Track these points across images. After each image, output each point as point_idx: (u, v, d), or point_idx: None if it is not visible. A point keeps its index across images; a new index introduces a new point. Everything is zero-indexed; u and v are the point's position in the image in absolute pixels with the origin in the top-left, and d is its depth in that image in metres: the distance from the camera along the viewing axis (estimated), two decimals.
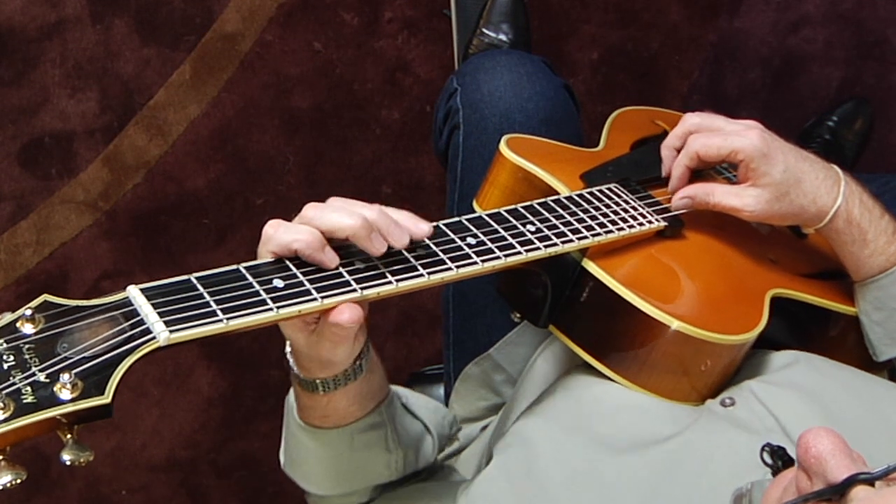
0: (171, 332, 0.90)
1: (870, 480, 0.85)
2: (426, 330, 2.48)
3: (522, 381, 1.55)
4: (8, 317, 0.89)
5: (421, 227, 1.12)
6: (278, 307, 0.97)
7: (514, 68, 1.63)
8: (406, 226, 1.10)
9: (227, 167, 2.47)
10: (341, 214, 1.05)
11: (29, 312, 0.89)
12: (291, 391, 1.24)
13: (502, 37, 2.35)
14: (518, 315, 1.40)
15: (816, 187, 1.35)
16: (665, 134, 1.52)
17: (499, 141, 1.43)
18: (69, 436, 0.85)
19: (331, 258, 1.05)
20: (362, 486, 1.31)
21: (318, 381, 1.15)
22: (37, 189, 2.42)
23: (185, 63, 2.46)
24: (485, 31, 2.36)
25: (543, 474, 1.23)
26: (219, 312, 0.94)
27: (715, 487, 1.13)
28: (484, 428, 1.64)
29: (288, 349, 1.17)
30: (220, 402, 2.46)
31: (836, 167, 1.38)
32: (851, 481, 0.85)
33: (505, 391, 1.64)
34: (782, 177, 1.33)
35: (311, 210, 1.08)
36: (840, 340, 1.49)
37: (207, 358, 2.46)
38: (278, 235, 1.05)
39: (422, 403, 1.38)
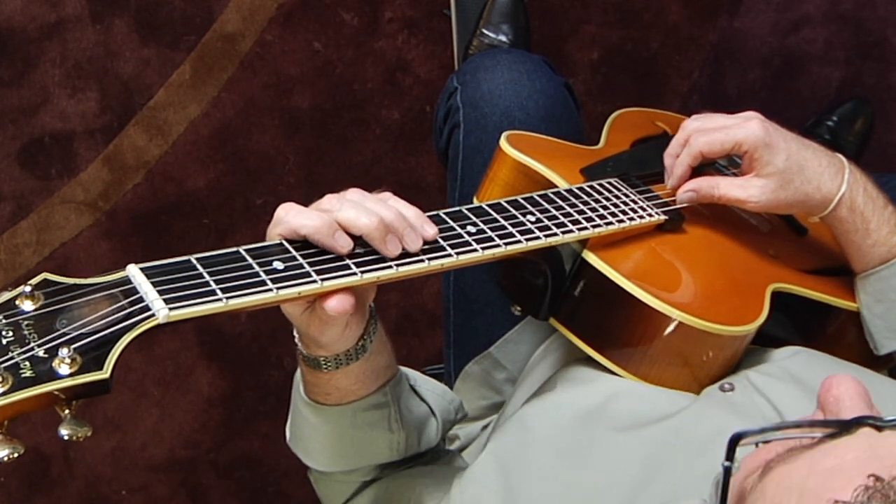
0: (170, 309, 0.90)
1: (878, 426, 0.86)
2: (426, 330, 2.48)
3: (522, 381, 1.55)
4: (7, 294, 0.88)
5: (427, 230, 1.11)
6: (278, 288, 0.97)
7: (514, 67, 1.63)
8: (414, 225, 1.10)
9: (227, 167, 2.47)
10: (359, 212, 1.05)
11: (28, 289, 0.89)
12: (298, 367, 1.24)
13: (502, 37, 2.35)
14: (519, 308, 1.39)
15: (820, 174, 1.35)
16: (665, 134, 1.52)
17: (499, 139, 1.43)
18: (67, 411, 0.85)
19: (342, 243, 1.04)
20: (363, 465, 1.32)
21: (320, 358, 1.16)
22: (37, 189, 2.42)
23: (185, 63, 2.46)
24: (485, 31, 2.36)
25: (536, 456, 1.24)
26: (218, 292, 0.94)
27: (708, 472, 1.13)
28: (485, 427, 1.64)
29: None
30: (220, 402, 2.46)
31: (840, 155, 1.39)
32: (861, 421, 0.87)
33: (505, 390, 1.64)
34: (785, 165, 1.34)
35: (328, 202, 1.08)
36: (841, 336, 1.49)
37: (207, 358, 2.45)
38: (288, 218, 1.05)
39: (429, 387, 1.38)
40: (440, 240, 1.12)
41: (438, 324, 1.77)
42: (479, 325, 1.66)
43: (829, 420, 0.91)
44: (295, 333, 1.18)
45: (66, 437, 0.85)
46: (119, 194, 2.44)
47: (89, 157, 2.43)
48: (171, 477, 2.44)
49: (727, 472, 0.89)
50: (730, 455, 0.89)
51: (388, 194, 1.12)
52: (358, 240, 1.06)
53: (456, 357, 1.70)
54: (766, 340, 1.38)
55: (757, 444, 0.94)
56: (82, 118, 2.43)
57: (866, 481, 0.79)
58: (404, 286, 2.46)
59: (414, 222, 1.10)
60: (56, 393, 0.83)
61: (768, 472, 0.89)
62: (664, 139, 1.48)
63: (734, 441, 0.89)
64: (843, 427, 0.87)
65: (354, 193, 1.09)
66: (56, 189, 2.42)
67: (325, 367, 1.17)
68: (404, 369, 1.32)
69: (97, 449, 2.41)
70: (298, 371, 1.25)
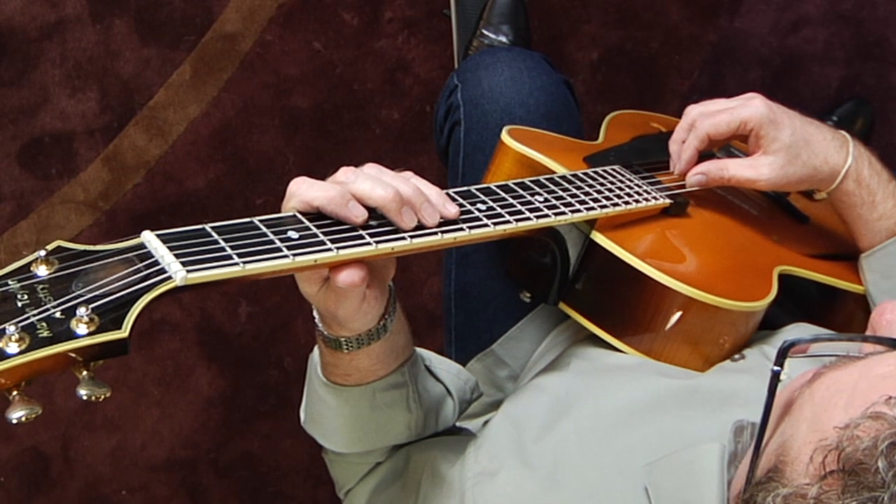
0: (188, 271, 0.89)
1: None
2: (426, 330, 2.47)
3: (524, 377, 1.55)
4: (21, 261, 0.88)
5: (448, 209, 1.11)
6: (294, 255, 0.97)
7: (514, 64, 1.63)
8: (435, 203, 1.10)
9: (227, 167, 2.47)
10: (374, 184, 1.05)
11: (43, 254, 0.88)
12: (316, 348, 1.24)
13: (502, 38, 2.36)
14: (528, 294, 1.39)
15: (825, 147, 1.36)
16: (663, 133, 1.53)
17: (499, 136, 1.44)
18: (85, 372, 0.84)
19: (356, 213, 1.04)
20: (381, 446, 1.31)
21: (342, 338, 1.15)
22: (37, 189, 2.41)
23: (185, 63, 2.46)
24: (485, 31, 2.36)
25: (550, 410, 1.25)
26: (234, 256, 0.94)
27: (726, 423, 1.12)
28: (486, 423, 1.63)
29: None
30: (220, 402, 2.45)
31: (843, 131, 1.40)
32: None
33: (508, 387, 1.64)
34: (791, 139, 1.35)
35: (343, 174, 1.08)
36: (848, 321, 1.50)
37: (207, 358, 2.45)
38: (301, 192, 1.05)
39: (445, 367, 1.38)
40: None
41: (438, 324, 1.77)
42: (481, 322, 1.65)
43: (882, 337, 0.91)
44: (315, 314, 1.18)
45: (84, 397, 0.83)
46: (119, 194, 2.44)
47: (89, 157, 2.43)
48: (171, 477, 2.43)
49: (775, 377, 0.89)
50: (780, 361, 0.89)
51: (409, 173, 1.12)
52: (373, 212, 1.05)
53: (457, 355, 1.69)
54: (771, 328, 1.39)
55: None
56: (82, 118, 2.42)
57: None
58: (404, 286, 2.46)
59: (435, 200, 1.10)
60: (72, 354, 0.83)
61: (818, 377, 0.89)
62: (663, 135, 1.50)
63: (786, 348, 0.89)
64: (894, 344, 0.88)
65: (371, 168, 1.09)
66: (56, 189, 2.42)
67: (346, 347, 1.16)
68: (419, 350, 1.32)
69: (97, 449, 2.40)
70: (314, 353, 1.24)
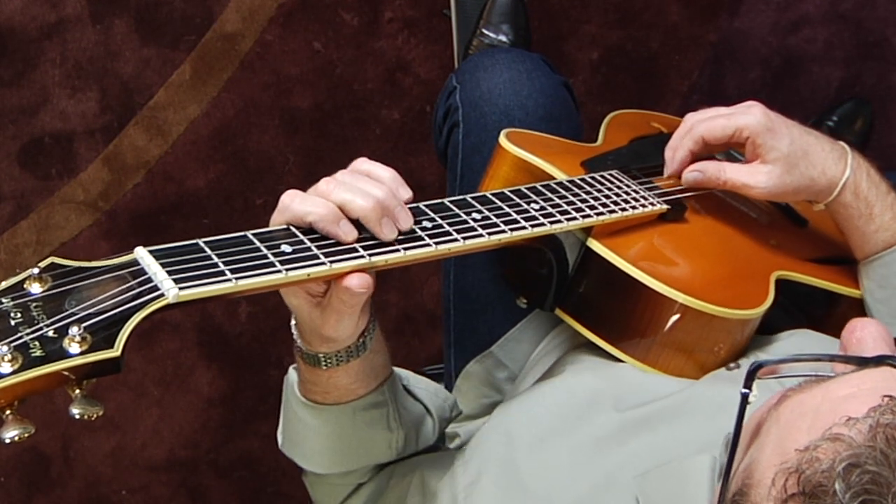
0: (180, 289, 0.90)
1: None
2: (426, 330, 2.48)
3: (522, 379, 1.55)
4: (15, 278, 0.88)
5: (402, 193, 1.11)
6: (287, 269, 0.97)
7: (513, 66, 1.62)
8: (392, 188, 1.10)
9: (227, 167, 2.47)
10: (354, 195, 1.05)
11: (36, 272, 0.89)
12: (291, 368, 1.24)
13: (502, 37, 2.35)
14: (524, 300, 1.39)
15: (824, 159, 1.36)
16: (662, 134, 1.52)
17: (498, 138, 1.43)
18: (78, 391, 0.84)
19: (346, 231, 1.04)
20: (362, 465, 1.30)
21: (320, 355, 1.15)
22: (37, 189, 2.42)
23: (185, 63, 2.46)
24: (485, 31, 2.36)
25: (542, 427, 1.24)
26: (227, 272, 0.94)
27: (717, 435, 1.12)
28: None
29: (293, 321, 1.17)
30: (220, 402, 2.46)
31: (842, 142, 1.39)
32: (881, 359, 0.87)
33: (506, 388, 1.64)
34: (789, 149, 1.34)
35: (324, 185, 1.08)
36: (844, 324, 1.49)
37: (207, 358, 2.45)
38: (294, 206, 1.05)
39: (423, 385, 1.37)
40: (446, 225, 1.12)
41: (438, 324, 1.77)
42: (480, 324, 1.65)
43: (849, 356, 0.91)
44: (294, 331, 1.18)
45: (77, 417, 0.84)
46: (119, 194, 2.44)
47: (89, 157, 2.43)
48: (171, 477, 2.43)
49: (744, 399, 0.89)
50: (748, 383, 0.90)
51: (362, 159, 1.13)
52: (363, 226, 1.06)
53: (456, 357, 1.69)
54: (769, 331, 1.39)
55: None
56: (82, 118, 2.42)
57: (881, 401, 0.80)
58: (404, 286, 2.46)
59: (391, 184, 1.10)
60: (66, 373, 0.83)
61: (784, 400, 0.90)
62: (662, 137, 1.49)
63: (754, 370, 0.90)
64: (863, 363, 0.88)
65: (344, 174, 1.10)
66: (56, 189, 2.42)
67: (325, 363, 1.16)
68: (397, 370, 1.32)
69: (97, 449, 2.40)
70: (289, 375, 1.25)
